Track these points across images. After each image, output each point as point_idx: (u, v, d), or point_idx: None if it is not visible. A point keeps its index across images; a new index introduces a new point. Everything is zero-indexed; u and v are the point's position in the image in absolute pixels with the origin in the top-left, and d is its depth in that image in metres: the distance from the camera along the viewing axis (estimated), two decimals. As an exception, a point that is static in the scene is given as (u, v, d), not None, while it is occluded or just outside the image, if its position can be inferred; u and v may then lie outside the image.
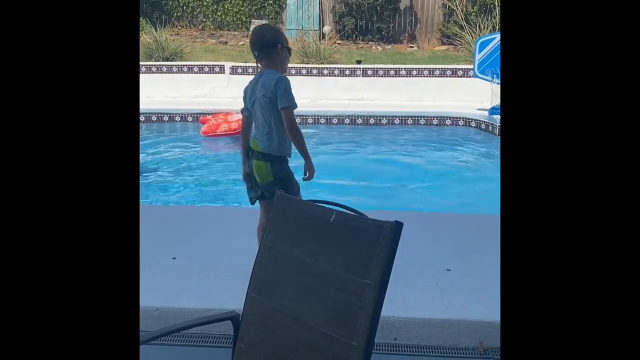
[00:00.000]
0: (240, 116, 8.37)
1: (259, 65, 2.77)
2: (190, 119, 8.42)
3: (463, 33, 10.47)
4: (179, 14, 13.38)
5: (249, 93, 2.75)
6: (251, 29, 2.73)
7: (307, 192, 4.93)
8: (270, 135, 2.67)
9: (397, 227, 1.35)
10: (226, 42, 12.52)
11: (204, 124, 7.65)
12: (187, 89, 9.44)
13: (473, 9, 11.83)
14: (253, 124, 2.80)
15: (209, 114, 8.12)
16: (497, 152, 6.98)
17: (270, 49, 2.69)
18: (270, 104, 2.62)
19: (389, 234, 1.35)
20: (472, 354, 2.41)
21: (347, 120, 8.26)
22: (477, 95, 8.63)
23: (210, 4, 13.26)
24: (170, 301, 2.62)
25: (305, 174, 2.80)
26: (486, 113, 8.05)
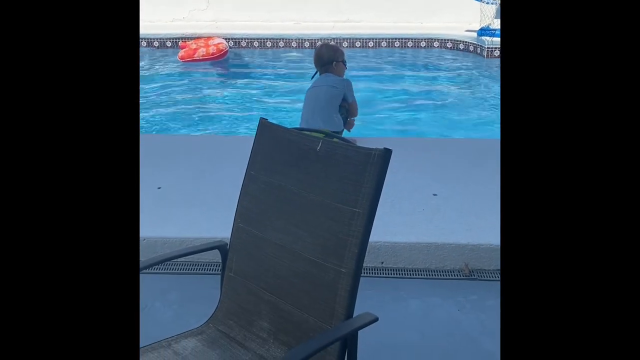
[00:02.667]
0: (220, 40, 8.06)
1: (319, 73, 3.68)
2: (169, 44, 8.10)
3: (453, -52, 9.98)
4: None
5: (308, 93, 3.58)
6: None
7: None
8: (331, 119, 3.48)
9: (386, 154, 1.32)
10: (204, -39, 11.83)
11: (183, 49, 7.38)
12: (164, 13, 8.99)
13: None
14: (306, 115, 3.52)
15: (189, 38, 7.80)
16: (487, 74, 6.88)
17: (328, 66, 3.60)
18: (333, 92, 3.50)
19: (378, 162, 1.32)
20: (457, 275, 2.47)
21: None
22: (466, 16, 8.37)
23: None
24: (157, 231, 2.61)
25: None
26: (475, 34, 7.84)
